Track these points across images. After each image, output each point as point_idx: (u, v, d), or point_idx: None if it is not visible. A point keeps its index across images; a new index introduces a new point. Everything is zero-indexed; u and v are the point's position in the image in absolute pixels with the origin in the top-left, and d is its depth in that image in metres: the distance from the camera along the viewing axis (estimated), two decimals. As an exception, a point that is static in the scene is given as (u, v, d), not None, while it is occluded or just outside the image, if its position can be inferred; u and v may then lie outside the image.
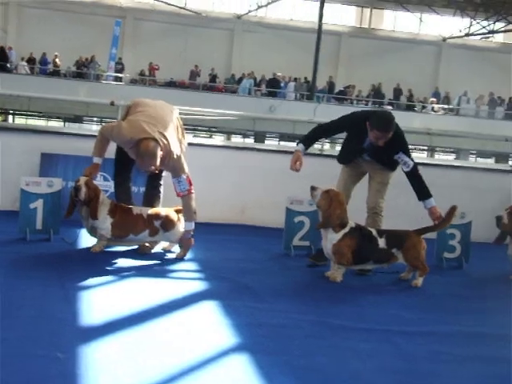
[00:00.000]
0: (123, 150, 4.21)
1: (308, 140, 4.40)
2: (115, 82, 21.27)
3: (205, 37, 26.16)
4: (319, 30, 21.94)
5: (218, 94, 21.50)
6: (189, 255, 4.35)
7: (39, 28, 24.86)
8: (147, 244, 4.37)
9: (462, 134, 11.89)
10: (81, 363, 2.50)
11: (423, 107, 23.90)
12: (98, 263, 3.99)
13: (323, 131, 4.51)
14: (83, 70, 22.20)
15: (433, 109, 22.99)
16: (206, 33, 26.21)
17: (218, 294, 3.60)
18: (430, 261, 4.34)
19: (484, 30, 26.37)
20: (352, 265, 4.13)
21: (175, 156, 4.08)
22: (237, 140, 18.87)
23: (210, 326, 3.10)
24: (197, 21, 25.99)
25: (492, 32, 26.18)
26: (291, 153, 4.42)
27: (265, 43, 26.38)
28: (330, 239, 4.07)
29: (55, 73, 21.99)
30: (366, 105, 23.00)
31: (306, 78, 23.72)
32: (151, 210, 4.29)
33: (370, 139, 4.22)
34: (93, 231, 4.23)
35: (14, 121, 17.96)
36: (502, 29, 26.10)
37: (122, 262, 4.08)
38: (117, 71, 22.41)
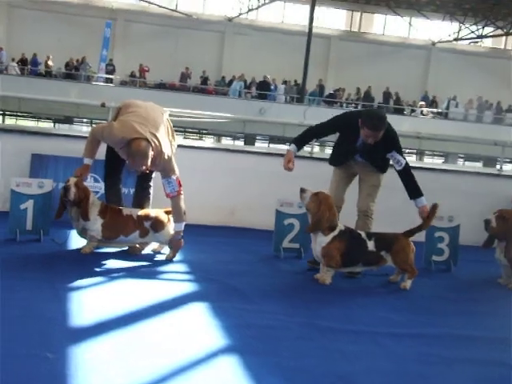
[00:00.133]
0: (113, 151, 4.21)
1: (300, 141, 4.41)
2: (106, 84, 21.21)
3: (195, 39, 26.17)
4: (309, 33, 22.04)
5: (208, 96, 21.51)
6: (179, 257, 4.36)
7: (30, 29, 24.75)
8: (137, 245, 4.37)
9: (450, 137, 11.98)
10: (71, 363, 2.50)
11: (412, 111, 24.07)
12: (88, 264, 3.98)
13: (315, 132, 4.51)
14: (73, 72, 22.11)
15: (422, 112, 23.17)
16: (196, 35, 26.21)
17: (208, 295, 3.61)
18: (418, 263, 4.37)
19: (473, 35, 26.63)
20: (341, 267, 4.15)
21: (166, 157, 4.09)
22: (227, 142, 18.87)
23: (199, 327, 3.10)
24: (188, 23, 26.00)
25: (481, 37, 26.43)
26: (281, 155, 4.43)
27: (255, 46, 26.45)
28: (320, 242, 4.10)
29: (47, 74, 21.88)
30: (356, 108, 23.12)
31: (296, 81, 23.80)
32: (141, 211, 4.30)
33: (362, 137, 4.24)
34: (83, 232, 4.22)
35: (4, 121, 17.84)
36: (491, 34, 26.38)
37: (112, 263, 4.08)
38: (108, 72, 22.36)
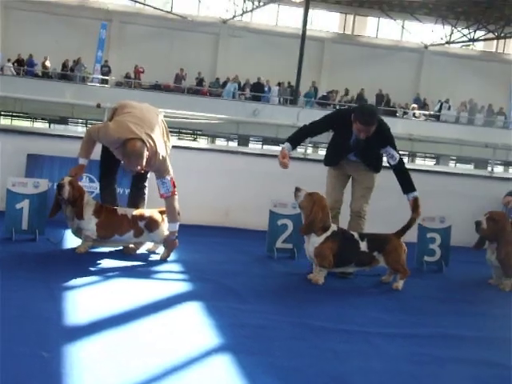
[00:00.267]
0: (109, 152, 4.22)
1: (294, 140, 4.40)
2: (101, 85, 21.19)
3: (190, 41, 26.18)
4: (303, 36, 22.12)
5: (202, 97, 21.52)
6: (173, 257, 4.38)
7: (25, 30, 24.67)
8: (131, 245, 4.38)
9: (442, 139, 12.06)
10: (65, 362, 2.51)
11: (404, 113, 24.20)
12: (83, 264, 3.99)
13: (309, 131, 4.49)
14: (68, 72, 22.07)
15: (414, 115, 23.29)
16: (191, 37, 26.23)
17: (202, 295, 3.62)
18: (410, 264, 4.40)
19: (465, 38, 26.81)
20: (334, 267, 4.18)
21: (161, 157, 4.12)
22: (221, 143, 18.90)
23: (193, 326, 3.12)
24: (182, 25, 26.00)
25: (472, 40, 26.61)
26: (275, 156, 4.45)
27: (249, 48, 26.48)
28: (313, 242, 4.13)
29: (44, 75, 21.83)
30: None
31: (289, 83, 23.85)
32: (136, 211, 4.32)
33: (354, 132, 4.26)
34: (78, 232, 4.24)
35: (-1, 121, 17.79)
36: (482, 37, 26.55)
37: (106, 263, 4.09)
38: (103, 74, 22.34)
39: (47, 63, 22.18)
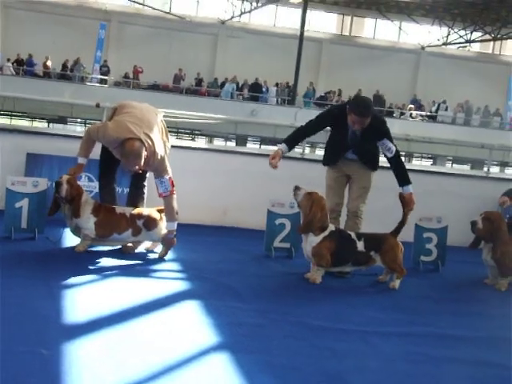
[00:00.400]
0: (108, 151, 4.24)
1: (291, 141, 4.41)
2: (100, 84, 21.19)
3: (189, 41, 26.21)
4: (301, 37, 22.16)
5: (200, 97, 21.53)
6: (171, 255, 4.39)
7: (25, 30, 24.69)
8: (130, 244, 4.40)
9: (439, 140, 12.10)
10: (64, 360, 2.52)
11: (401, 113, 24.25)
12: (82, 262, 4.00)
13: (306, 131, 4.49)
14: (67, 72, 22.09)
15: (411, 115, 23.35)
16: (190, 37, 26.26)
17: (200, 293, 3.64)
18: (407, 264, 4.42)
19: (461, 40, 26.86)
20: (331, 267, 4.20)
21: (159, 157, 4.13)
22: (219, 143, 18.90)
23: (191, 325, 3.14)
24: (181, 25, 26.03)
25: (469, 41, 26.68)
26: (273, 156, 4.48)
27: (248, 48, 26.51)
28: (310, 242, 4.15)
29: (45, 74, 21.83)
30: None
31: (287, 83, 23.88)
32: (134, 210, 4.33)
33: (349, 124, 4.26)
34: (76, 230, 4.25)
35: (-2, 121, 17.80)
36: (479, 38, 26.63)
37: (105, 262, 4.10)
38: (102, 74, 22.37)
39: (48, 63, 22.18)
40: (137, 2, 26.14)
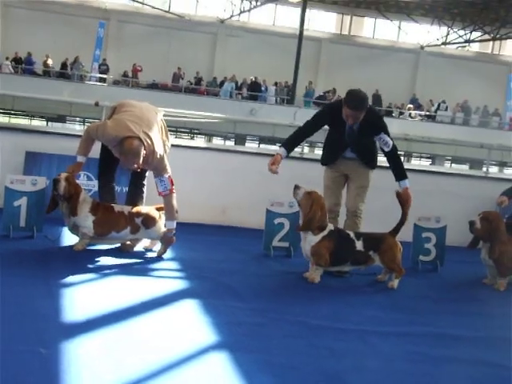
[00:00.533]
0: (108, 150, 4.24)
1: (289, 144, 4.41)
2: (99, 83, 21.20)
3: (188, 40, 26.22)
4: (300, 36, 22.18)
5: (199, 96, 21.54)
6: (170, 254, 4.39)
7: (24, 28, 24.70)
8: (128, 242, 4.40)
9: (438, 140, 12.12)
10: (63, 359, 2.52)
11: (400, 113, 24.27)
12: (81, 261, 4.01)
13: (304, 131, 4.49)
14: (66, 71, 22.09)
15: (410, 115, 23.38)
16: (189, 36, 26.27)
17: (199, 293, 3.64)
18: (405, 263, 4.43)
19: (460, 39, 26.91)
20: (330, 266, 4.21)
21: (158, 156, 4.14)
22: (218, 142, 18.91)
23: (190, 324, 3.14)
24: (180, 24, 26.04)
25: (468, 41, 26.71)
26: (272, 155, 4.46)
27: (247, 47, 26.52)
28: (309, 241, 4.15)
29: (45, 73, 21.84)
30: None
31: (286, 83, 23.89)
32: (132, 208, 4.33)
33: (344, 117, 4.27)
34: (74, 229, 4.25)
35: (-3, 119, 17.82)
36: (478, 38, 26.67)
37: (104, 260, 4.10)
38: (101, 72, 22.38)
39: (49, 61, 22.19)
40: (136, 1, 26.14)
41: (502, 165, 17.23)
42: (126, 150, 3.98)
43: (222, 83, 23.91)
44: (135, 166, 4.05)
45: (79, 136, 4.39)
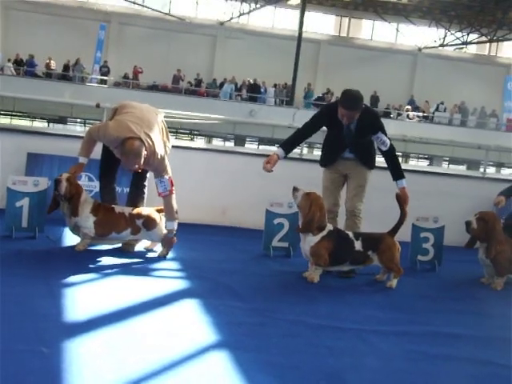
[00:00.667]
0: (109, 151, 4.26)
1: (288, 144, 4.42)
2: (99, 85, 21.22)
3: (188, 42, 26.29)
4: (299, 38, 22.20)
5: (199, 98, 21.57)
6: (171, 255, 4.41)
7: (25, 30, 24.74)
8: (130, 242, 4.41)
9: (435, 141, 12.14)
10: (65, 358, 2.53)
11: (398, 114, 24.32)
12: (82, 261, 4.02)
13: (303, 133, 4.50)
14: (67, 73, 22.13)
15: (408, 116, 23.43)
16: (189, 38, 26.34)
17: (199, 292, 3.66)
18: (404, 263, 4.45)
19: (458, 41, 26.98)
20: (329, 266, 4.23)
21: (159, 157, 4.16)
22: (217, 143, 18.92)
23: (191, 323, 3.15)
24: (180, 26, 26.11)
25: (465, 43, 26.78)
26: (271, 156, 4.50)
27: (246, 49, 26.57)
28: (309, 241, 4.17)
29: (48, 75, 21.85)
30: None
31: (285, 84, 23.92)
32: (133, 210, 4.35)
33: (339, 117, 4.29)
34: (75, 229, 4.27)
35: (-1, 121, 17.84)
36: (475, 40, 26.74)
37: (105, 260, 4.12)
38: (102, 74, 22.42)
39: (52, 63, 22.22)
40: (137, 3, 26.17)
41: (500, 165, 17.27)
42: (128, 151, 4.00)
43: (221, 85, 23.94)
44: (136, 166, 4.08)
45: (80, 137, 4.42)
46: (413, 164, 17.33)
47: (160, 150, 4.16)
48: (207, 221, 5.59)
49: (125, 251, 4.39)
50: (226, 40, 27.06)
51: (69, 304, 3.18)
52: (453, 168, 17.00)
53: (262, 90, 23.34)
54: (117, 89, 21.17)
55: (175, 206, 4.29)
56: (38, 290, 3.33)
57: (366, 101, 25.12)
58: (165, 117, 4.57)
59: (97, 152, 4.38)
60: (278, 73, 24.42)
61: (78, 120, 18.44)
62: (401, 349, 3.13)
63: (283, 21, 27.76)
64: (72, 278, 3.62)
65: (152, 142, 4.10)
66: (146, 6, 26.24)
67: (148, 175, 4.54)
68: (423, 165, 18.99)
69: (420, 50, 28.88)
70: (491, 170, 13.44)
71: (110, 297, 3.39)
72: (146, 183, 4.56)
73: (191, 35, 26.43)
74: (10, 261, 3.85)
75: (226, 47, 27.10)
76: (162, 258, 4.36)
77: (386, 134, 4.39)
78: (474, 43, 27.15)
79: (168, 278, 3.98)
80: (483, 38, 25.83)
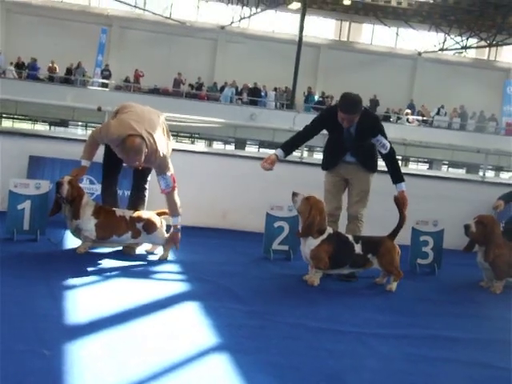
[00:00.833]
0: (111, 153, 4.28)
1: (288, 146, 4.43)
2: (101, 88, 21.27)
3: (189, 46, 26.35)
4: (299, 42, 22.26)
5: (200, 101, 21.60)
6: (172, 257, 4.43)
7: (27, 34, 24.78)
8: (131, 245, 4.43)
9: (435, 144, 12.16)
10: (65, 360, 2.54)
11: (398, 118, 24.36)
12: (83, 263, 4.03)
13: (304, 135, 4.51)
14: (69, 76, 22.19)
15: (407, 120, 23.47)
16: (190, 42, 26.41)
17: (200, 295, 3.67)
18: (403, 266, 4.46)
19: (457, 46, 27.04)
20: (329, 269, 4.24)
21: (161, 154, 4.18)
22: (218, 146, 18.96)
23: (191, 326, 3.16)
24: (181, 30, 26.18)
25: (465, 47, 26.84)
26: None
27: (247, 53, 26.63)
28: (309, 244, 4.18)
29: (51, 78, 21.90)
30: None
31: (286, 88, 23.96)
32: (134, 213, 4.37)
33: (339, 120, 4.30)
34: (76, 232, 4.28)
35: (0, 124, 17.88)
36: (475, 45, 26.80)
37: (106, 263, 4.13)
38: (104, 78, 22.47)
39: (56, 67, 22.29)
40: (138, 7, 26.26)
41: (499, 169, 17.30)
42: (128, 148, 4.02)
43: (222, 88, 23.97)
44: (137, 163, 4.10)
45: (82, 140, 4.44)
46: (412, 168, 17.32)
47: (162, 148, 4.18)
48: (208, 224, 5.61)
49: (126, 254, 4.40)
50: (226, 44, 27.12)
51: (70, 306, 3.19)
52: (452, 172, 17.03)
53: (263, 93, 23.38)
54: (118, 92, 21.21)
55: (178, 201, 4.31)
56: (39, 292, 3.34)
57: (366, 105, 25.28)
58: (166, 120, 4.59)
59: (98, 155, 4.40)
60: (278, 77, 24.46)
61: (80, 123, 18.49)
62: (400, 352, 3.14)
63: (284, 25, 27.81)
64: (73, 281, 3.63)
65: (153, 139, 4.12)
66: (147, 10, 26.32)
67: (149, 178, 4.56)
68: (423, 168, 19.00)
69: (420, 54, 28.95)
70: (490, 174, 13.48)
71: (111, 299, 3.40)
72: (147, 186, 4.58)
73: (192, 39, 26.50)
74: (12, 263, 3.86)
75: (226, 51, 27.16)
76: (162, 260, 4.37)
77: (386, 137, 4.41)
78: (473, 48, 27.21)
79: (168, 280, 3.99)
80: (483, 43, 25.87)
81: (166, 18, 26.33)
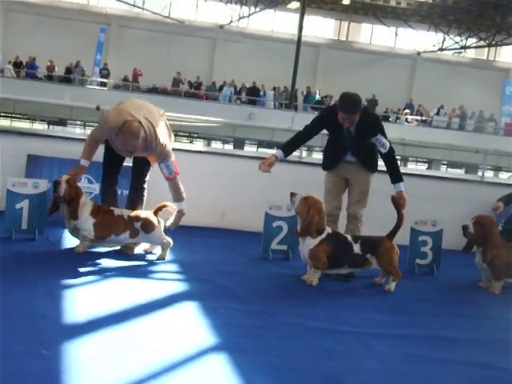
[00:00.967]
0: (111, 152, 4.28)
1: (288, 146, 4.44)
2: (99, 87, 21.26)
3: (188, 45, 26.34)
4: (299, 42, 22.25)
5: (199, 100, 21.60)
6: (170, 257, 4.42)
7: (25, 33, 24.78)
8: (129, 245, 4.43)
9: (434, 144, 12.17)
10: (64, 360, 2.54)
11: (397, 118, 24.38)
12: (82, 263, 4.03)
13: (304, 135, 4.52)
14: (68, 75, 22.19)
15: (406, 120, 23.48)
16: (188, 41, 26.40)
17: (198, 295, 3.67)
18: (402, 266, 4.46)
19: (456, 46, 27.07)
20: (327, 269, 4.24)
21: (161, 141, 4.18)
22: (216, 146, 18.95)
23: (190, 325, 3.16)
24: (180, 29, 26.17)
25: (464, 47, 26.87)
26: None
27: (246, 53, 26.63)
28: (307, 244, 4.19)
29: (49, 77, 21.89)
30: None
31: (285, 87, 23.97)
32: (132, 212, 4.36)
33: (339, 121, 4.31)
34: (74, 231, 4.28)
35: (-1, 123, 17.87)
36: (474, 45, 26.82)
37: (104, 262, 4.13)
38: (103, 76, 22.47)
39: (55, 66, 22.29)
40: (137, 6, 26.24)
41: (498, 169, 17.33)
42: (125, 131, 4.02)
43: (221, 88, 23.98)
44: (132, 148, 4.09)
45: (80, 139, 4.44)
46: (411, 167, 17.34)
47: (162, 136, 4.19)
48: (207, 223, 5.60)
49: (124, 253, 4.40)
50: (225, 43, 27.11)
51: (68, 306, 3.18)
52: (451, 172, 17.05)
53: (262, 93, 23.39)
54: (117, 91, 21.21)
55: (181, 187, 4.33)
56: (37, 292, 3.34)
57: (361, 102, 25.36)
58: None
59: (98, 154, 4.39)
60: (277, 76, 24.47)
61: (78, 122, 18.47)
62: (399, 352, 3.14)
63: (283, 24, 27.83)
64: (71, 280, 3.63)
65: (152, 126, 4.13)
66: (145, 9, 26.31)
67: (148, 178, 4.56)
68: (422, 168, 19.03)
69: (419, 54, 28.97)
70: (489, 174, 13.49)
71: (109, 299, 3.40)
72: (145, 186, 4.57)
73: (191, 38, 26.49)
74: (10, 263, 3.85)
75: (225, 50, 27.16)
76: (160, 260, 4.37)
77: (385, 137, 4.41)
78: (472, 47, 27.23)
79: (167, 280, 3.99)
80: (482, 43, 25.90)
81: (165, 16, 26.33)
